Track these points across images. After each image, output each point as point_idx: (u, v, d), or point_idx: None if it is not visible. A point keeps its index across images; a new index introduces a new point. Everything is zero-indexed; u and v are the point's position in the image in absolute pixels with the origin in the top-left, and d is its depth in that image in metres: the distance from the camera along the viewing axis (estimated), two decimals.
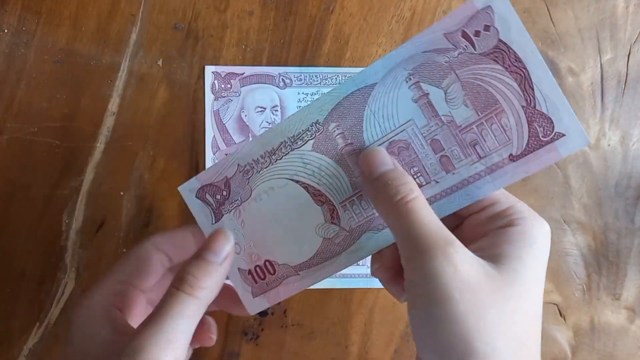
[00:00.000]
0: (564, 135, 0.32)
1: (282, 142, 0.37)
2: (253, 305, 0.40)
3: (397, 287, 0.36)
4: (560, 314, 0.49)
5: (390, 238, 0.37)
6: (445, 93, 0.34)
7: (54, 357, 0.45)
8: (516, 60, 0.32)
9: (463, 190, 0.35)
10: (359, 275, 0.51)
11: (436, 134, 0.34)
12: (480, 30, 0.32)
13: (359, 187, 0.37)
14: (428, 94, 0.34)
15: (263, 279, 0.39)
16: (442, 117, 0.34)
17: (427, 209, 0.31)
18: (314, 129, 0.37)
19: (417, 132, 0.35)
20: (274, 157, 0.38)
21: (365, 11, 0.48)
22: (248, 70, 0.52)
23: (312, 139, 0.37)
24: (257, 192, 0.38)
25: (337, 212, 0.37)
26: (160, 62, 0.47)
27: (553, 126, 0.32)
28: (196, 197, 0.40)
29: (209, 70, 0.50)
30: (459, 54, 0.33)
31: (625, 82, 0.46)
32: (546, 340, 0.48)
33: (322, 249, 0.38)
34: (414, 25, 0.47)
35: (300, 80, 0.52)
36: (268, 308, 0.45)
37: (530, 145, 0.33)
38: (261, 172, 0.38)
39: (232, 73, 0.52)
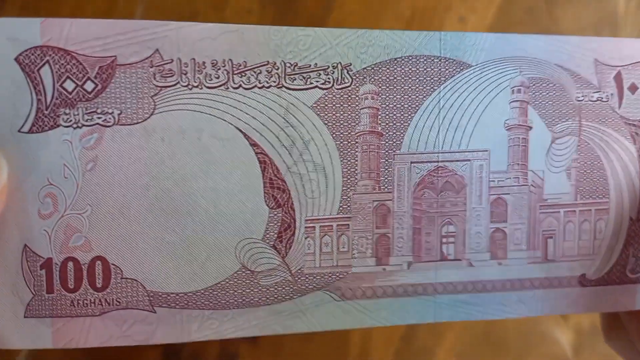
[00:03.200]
0: None
1: (265, 64, 0.19)
2: (12, 332, 0.18)
3: None
4: (562, 315, 0.47)
5: (349, 322, 0.20)
6: (553, 142, 0.21)
7: (53, 358, 0.38)
8: None
9: (500, 295, 0.21)
10: None
11: (507, 193, 0.21)
12: (639, 87, 0.21)
13: (354, 211, 0.20)
14: (531, 128, 0.21)
15: (72, 291, 0.18)
16: (530, 174, 0.21)
17: None
18: (334, 75, 0.19)
19: (484, 173, 0.21)
20: (237, 77, 0.19)
21: (365, 9, 0.43)
22: None
23: (322, 89, 0.19)
24: (163, 119, 0.18)
25: (294, 232, 0.19)
26: None
27: None
28: (15, 59, 0.17)
29: None
30: (597, 100, 0.21)
31: None
32: (547, 340, 0.46)
33: (230, 284, 0.19)
34: (414, 24, 0.44)
35: None
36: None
37: (610, 275, 0.22)
38: (195, 89, 0.18)
39: None
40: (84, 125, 0.18)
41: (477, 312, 0.21)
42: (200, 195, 0.18)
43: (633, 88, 0.21)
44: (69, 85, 0.17)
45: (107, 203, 0.18)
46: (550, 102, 0.21)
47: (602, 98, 0.21)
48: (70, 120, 0.18)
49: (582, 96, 0.21)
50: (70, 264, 0.18)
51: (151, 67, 0.18)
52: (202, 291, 0.19)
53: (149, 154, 0.18)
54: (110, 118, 0.18)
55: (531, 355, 0.46)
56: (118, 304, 0.18)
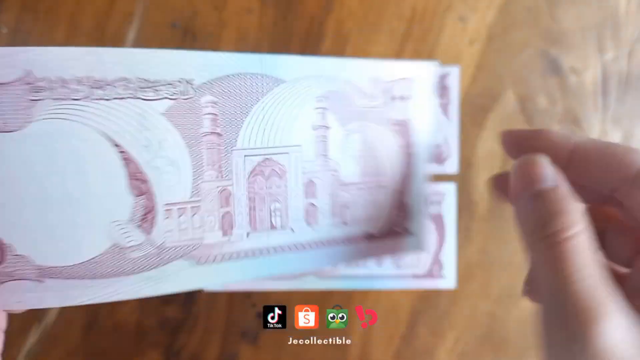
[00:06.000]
0: (411, 234, 0.31)
1: (122, 79, 0.23)
2: None
3: None
4: None
5: (205, 282, 0.26)
6: (346, 137, 0.29)
7: (52, 358, 0.41)
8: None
9: (314, 251, 0.28)
10: (359, 276, 0.43)
11: (316, 177, 0.28)
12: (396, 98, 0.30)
13: (202, 195, 0.25)
14: (329, 127, 0.28)
15: None
16: (330, 162, 0.28)
17: (589, 254, 0.21)
18: (180, 88, 0.24)
19: (299, 163, 0.27)
20: (98, 91, 0.23)
21: (366, 9, 0.43)
22: None
23: (171, 100, 0.24)
24: (39, 127, 0.22)
25: (155, 215, 0.24)
26: None
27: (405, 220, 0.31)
28: None
29: None
30: (381, 104, 0.29)
31: (627, 81, 0.45)
32: None
33: (104, 258, 0.23)
34: (415, 23, 0.44)
35: None
36: None
37: (386, 232, 0.30)
38: (63, 102, 0.22)
39: None
40: None
41: (308, 265, 0.28)
42: (74, 185, 0.22)
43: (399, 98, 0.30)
44: None
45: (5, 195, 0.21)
46: (343, 108, 0.28)
47: (376, 105, 0.29)
48: None
49: (367, 101, 0.29)
50: None
51: (22, 84, 0.21)
52: (81, 263, 0.23)
53: (31, 155, 0.22)
54: None
55: (532, 355, 0.46)
56: (10, 276, 0.22)
